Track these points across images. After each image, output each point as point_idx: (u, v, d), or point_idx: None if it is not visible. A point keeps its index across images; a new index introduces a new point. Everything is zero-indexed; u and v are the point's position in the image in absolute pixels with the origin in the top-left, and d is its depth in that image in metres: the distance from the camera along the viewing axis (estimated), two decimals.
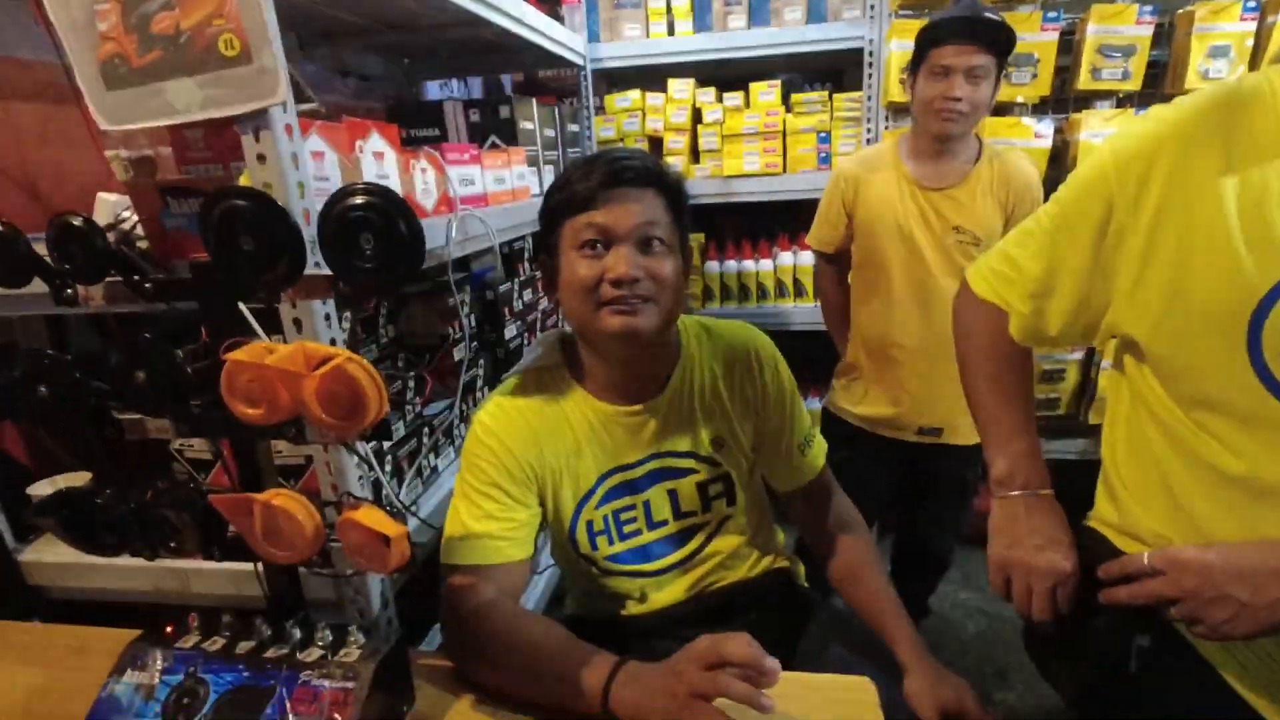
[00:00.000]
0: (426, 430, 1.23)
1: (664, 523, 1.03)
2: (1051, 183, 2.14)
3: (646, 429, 0.98)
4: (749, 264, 2.41)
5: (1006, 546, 0.90)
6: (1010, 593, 0.90)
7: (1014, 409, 0.92)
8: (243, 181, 0.82)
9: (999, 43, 1.44)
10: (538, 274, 1.83)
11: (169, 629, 0.84)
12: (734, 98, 2.30)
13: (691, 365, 1.01)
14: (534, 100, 1.80)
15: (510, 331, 1.63)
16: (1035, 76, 2.03)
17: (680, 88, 2.33)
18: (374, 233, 0.65)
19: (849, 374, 1.79)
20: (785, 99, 2.31)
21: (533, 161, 1.80)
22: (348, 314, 1.13)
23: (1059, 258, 0.81)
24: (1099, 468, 0.93)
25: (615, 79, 2.63)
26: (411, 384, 1.18)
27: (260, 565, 0.85)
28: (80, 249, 0.69)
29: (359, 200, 0.66)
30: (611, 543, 1.02)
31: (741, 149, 2.28)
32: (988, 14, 1.43)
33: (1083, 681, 0.91)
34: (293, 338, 0.87)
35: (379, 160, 1.06)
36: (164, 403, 0.74)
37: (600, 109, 2.42)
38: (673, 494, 1.02)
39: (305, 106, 0.87)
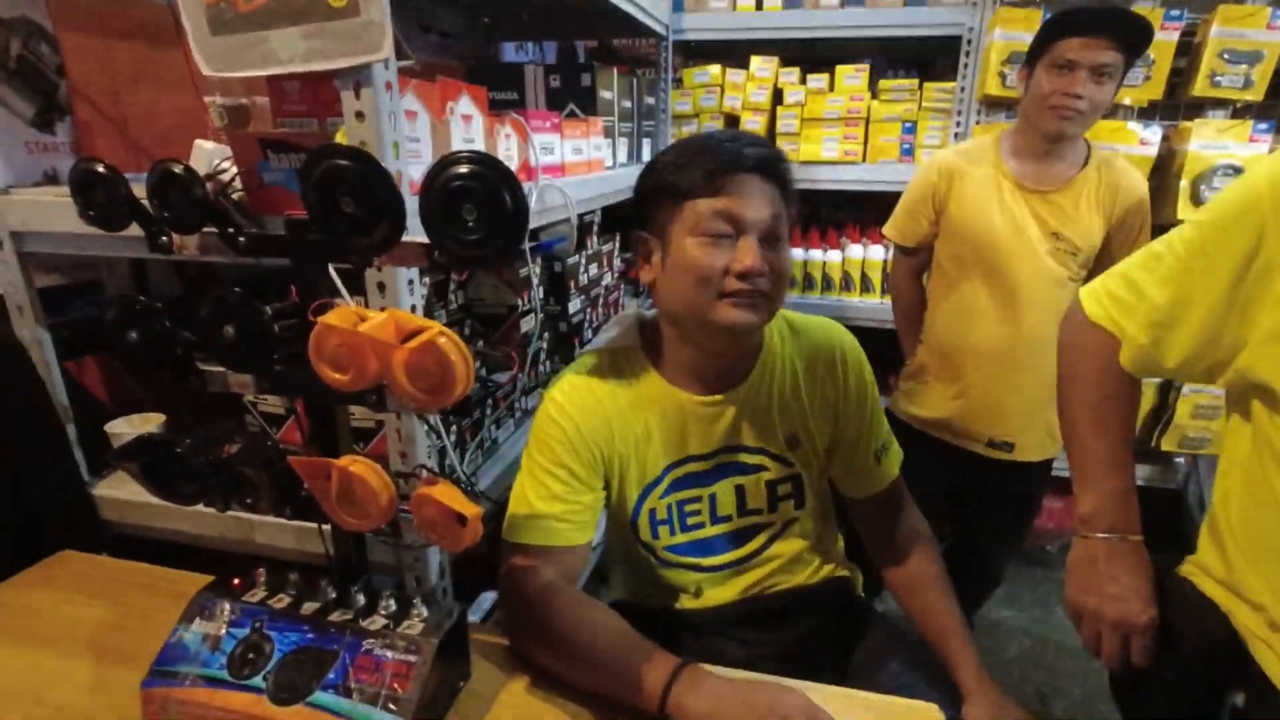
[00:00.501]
0: (490, 402, 1.22)
1: (728, 518, 1.01)
2: (1153, 194, 2.03)
3: (721, 421, 0.96)
4: (816, 254, 2.33)
5: (1082, 590, 0.88)
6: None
7: (1111, 445, 0.87)
8: (339, 139, 0.80)
9: (1134, 41, 1.33)
10: (605, 248, 1.80)
11: (236, 581, 0.84)
12: (818, 80, 2.21)
13: (773, 360, 0.98)
14: (615, 69, 1.75)
15: (574, 306, 1.61)
16: (1148, 78, 1.90)
17: (763, 65, 2.25)
18: (477, 204, 0.62)
19: (917, 377, 1.72)
20: (872, 85, 2.21)
21: (609, 133, 1.75)
22: (426, 279, 1.12)
23: (1191, 288, 0.74)
24: (1165, 495, 0.87)
25: (693, 52, 2.55)
26: (479, 359, 1.16)
27: (327, 526, 0.85)
28: (180, 197, 0.68)
29: (465, 169, 0.63)
30: (673, 533, 1.00)
31: (821, 134, 2.20)
32: (1127, 7, 1.34)
33: None
34: (375, 301, 0.86)
35: (467, 123, 1.03)
36: (249, 359, 0.73)
37: (677, 82, 2.35)
38: (740, 489, 1.00)
39: (402, 63, 0.84)
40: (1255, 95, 1.88)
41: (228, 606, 0.81)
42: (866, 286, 2.31)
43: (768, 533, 1.03)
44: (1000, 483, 1.65)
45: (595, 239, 1.79)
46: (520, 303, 1.33)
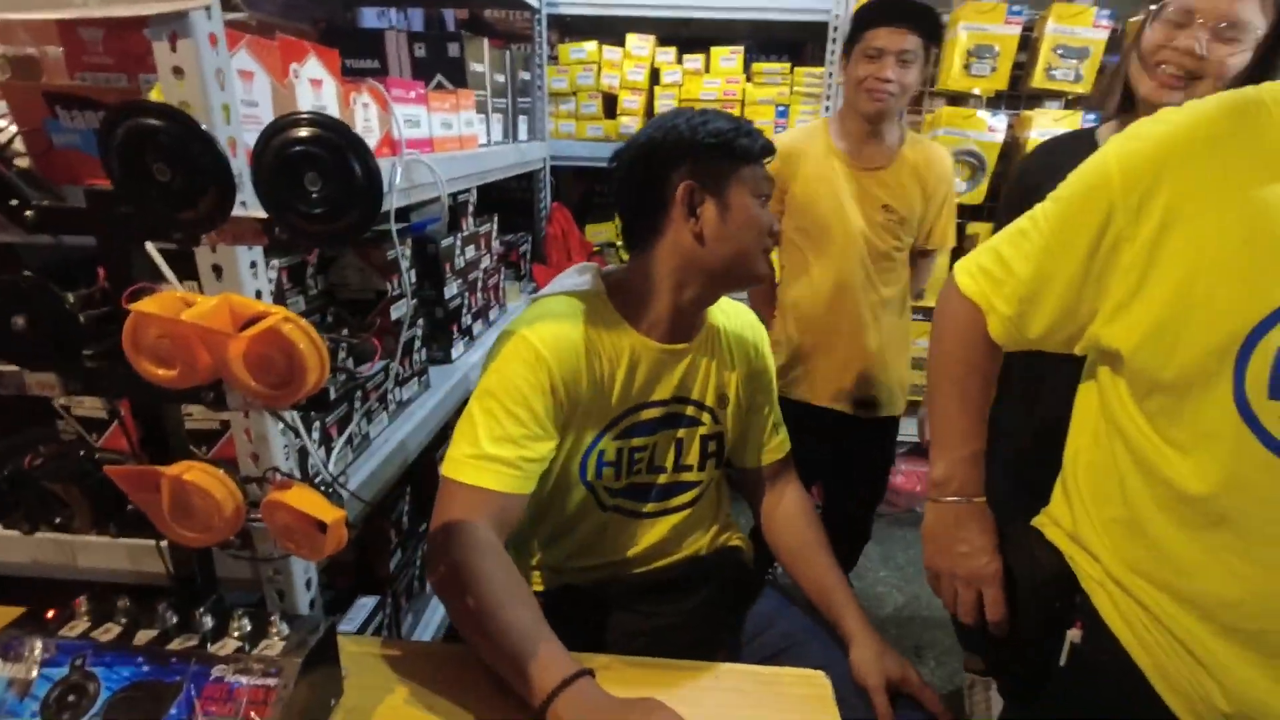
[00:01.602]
0: (359, 395, 1.12)
1: (662, 469, 1.05)
2: (999, 177, 2.20)
3: (677, 369, 1.01)
4: None
5: (936, 554, 0.94)
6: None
7: (968, 415, 0.91)
8: (154, 98, 0.70)
9: (928, 28, 1.51)
10: (483, 229, 1.72)
11: (50, 614, 0.73)
12: (694, 60, 2.22)
13: (715, 322, 1.06)
14: (485, 41, 1.67)
15: (450, 290, 1.52)
16: (995, 70, 2.04)
17: (639, 44, 2.23)
18: (322, 172, 0.55)
19: (776, 349, 1.78)
20: (746, 67, 2.24)
21: (481, 108, 1.67)
22: (274, 261, 1.01)
23: (1051, 263, 0.78)
24: None
25: (569, 27, 2.49)
26: (345, 347, 1.07)
27: (165, 541, 0.75)
28: None
29: (305, 132, 0.55)
30: (618, 477, 1.02)
31: None
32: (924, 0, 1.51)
33: (1016, 675, 0.93)
34: (211, 287, 0.76)
35: (316, 89, 0.93)
36: (49, 355, 0.62)
37: (553, 58, 2.28)
38: (679, 443, 1.05)
39: (232, 16, 0.74)
40: (1084, 88, 2.07)
41: (39, 644, 0.69)
42: None
43: (693, 492, 1.08)
44: (862, 439, 1.79)
45: (471, 220, 1.71)
46: (389, 287, 1.24)
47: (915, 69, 1.53)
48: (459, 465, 0.87)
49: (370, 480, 1.13)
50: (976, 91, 2.09)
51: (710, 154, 0.93)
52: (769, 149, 0.96)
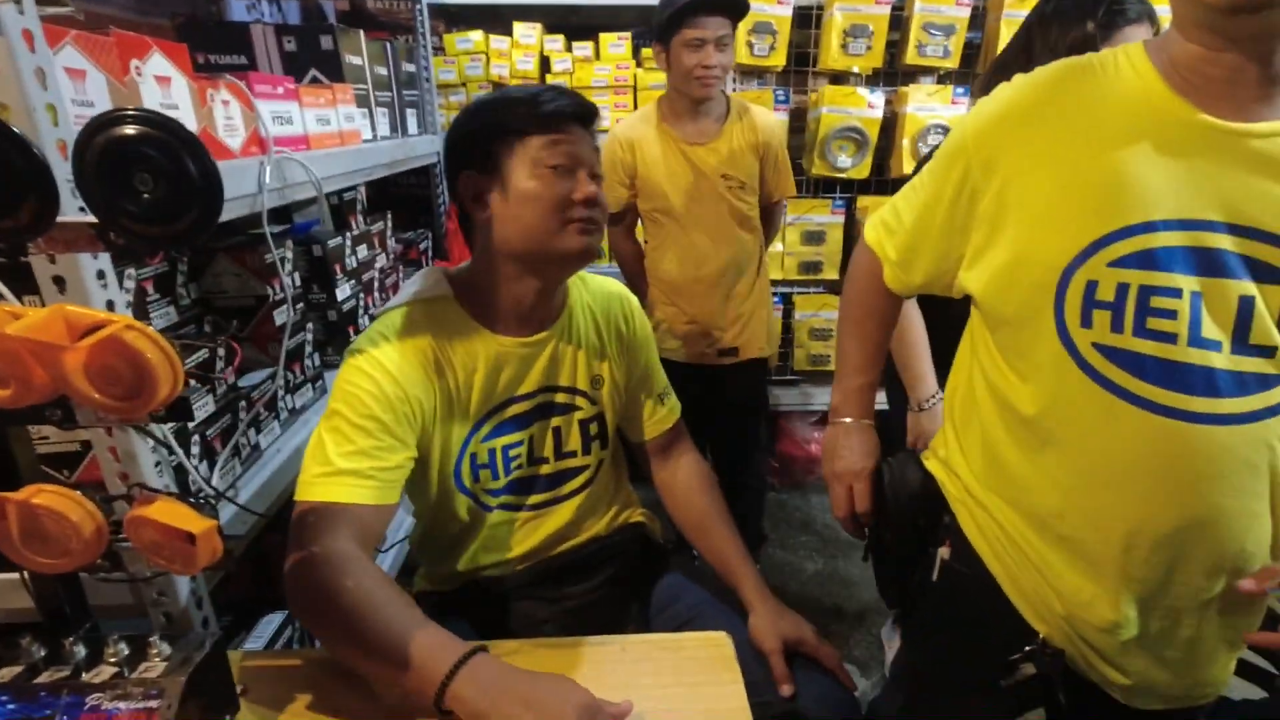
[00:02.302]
0: (244, 404, 1.08)
1: (545, 460, 1.03)
2: (883, 150, 2.29)
3: (539, 360, 0.99)
4: None
5: (826, 461, 1.05)
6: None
7: (863, 351, 1.01)
8: None
9: (737, 11, 1.66)
10: (375, 228, 1.68)
11: None
12: (584, 48, 2.22)
13: (575, 303, 1.03)
14: (361, 33, 1.62)
15: (344, 292, 1.48)
16: (869, 48, 2.13)
17: (526, 32, 2.21)
18: (152, 171, 0.53)
19: (657, 319, 1.92)
20: (636, 53, 2.25)
21: (363, 102, 1.63)
22: (131, 271, 0.95)
23: (927, 213, 0.86)
24: None
25: (455, 17, 2.44)
26: (221, 352, 1.03)
27: (27, 574, 0.71)
28: None
29: (130, 130, 0.53)
30: (495, 477, 0.99)
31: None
32: None
33: (899, 592, 1.03)
34: (53, 301, 0.71)
35: (164, 86, 0.89)
36: None
37: (439, 49, 2.23)
38: (557, 431, 1.03)
39: (53, 10, 0.70)
40: (953, 63, 2.19)
41: None
42: None
43: (583, 475, 1.06)
44: (731, 383, 1.95)
45: (361, 218, 1.66)
46: (271, 292, 1.19)
47: (731, 49, 1.67)
48: (309, 486, 0.83)
49: (264, 491, 1.09)
50: (856, 70, 2.17)
51: (480, 138, 0.90)
52: (553, 119, 0.88)
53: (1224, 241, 0.68)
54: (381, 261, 1.71)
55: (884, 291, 0.96)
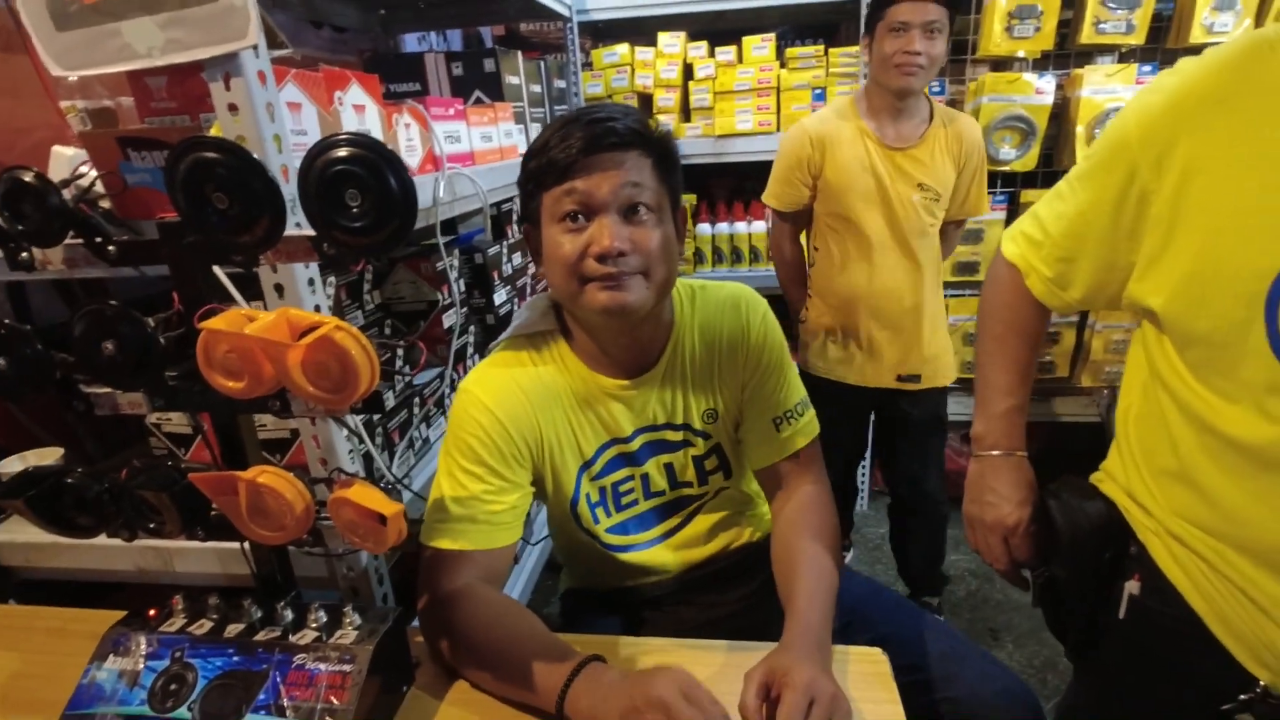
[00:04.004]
0: (417, 400, 1.18)
1: (660, 492, 1.01)
2: (1051, 140, 2.11)
3: (641, 402, 0.94)
4: (741, 226, 2.35)
5: (970, 503, 0.97)
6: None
7: (1008, 372, 0.93)
8: (214, 133, 0.76)
9: None
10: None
11: (152, 613, 0.80)
12: (726, 52, 2.22)
13: (683, 334, 0.95)
14: (519, 54, 1.72)
15: (500, 297, 1.58)
16: (1038, 30, 1.97)
17: (670, 41, 2.24)
18: (360, 188, 0.60)
19: (818, 335, 1.81)
20: (779, 54, 2.22)
21: (520, 118, 1.72)
22: (332, 279, 1.07)
23: (1083, 222, 0.79)
24: (1089, 427, 0.93)
25: (603, 32, 2.53)
26: (400, 352, 1.13)
27: (247, 544, 0.81)
28: (35, 208, 0.63)
29: (343, 152, 0.60)
30: (609, 514, 0.99)
31: (735, 106, 2.21)
32: None
33: (1078, 628, 0.92)
34: (274, 304, 0.82)
35: (360, 114, 0.99)
36: (135, 375, 0.68)
37: (588, 64, 2.32)
38: (669, 467, 0.99)
39: (279, 53, 0.80)
40: (1138, 39, 1.97)
41: (144, 640, 0.76)
42: None
43: (699, 502, 1.03)
44: (910, 410, 1.79)
45: (516, 227, 1.76)
46: (440, 297, 1.30)
47: (941, 39, 1.52)
48: (431, 531, 0.87)
49: (432, 482, 1.18)
50: (1021, 54, 2.01)
51: (524, 190, 0.86)
52: (566, 159, 0.79)
53: None
54: (533, 268, 1.80)
55: (1030, 306, 0.88)
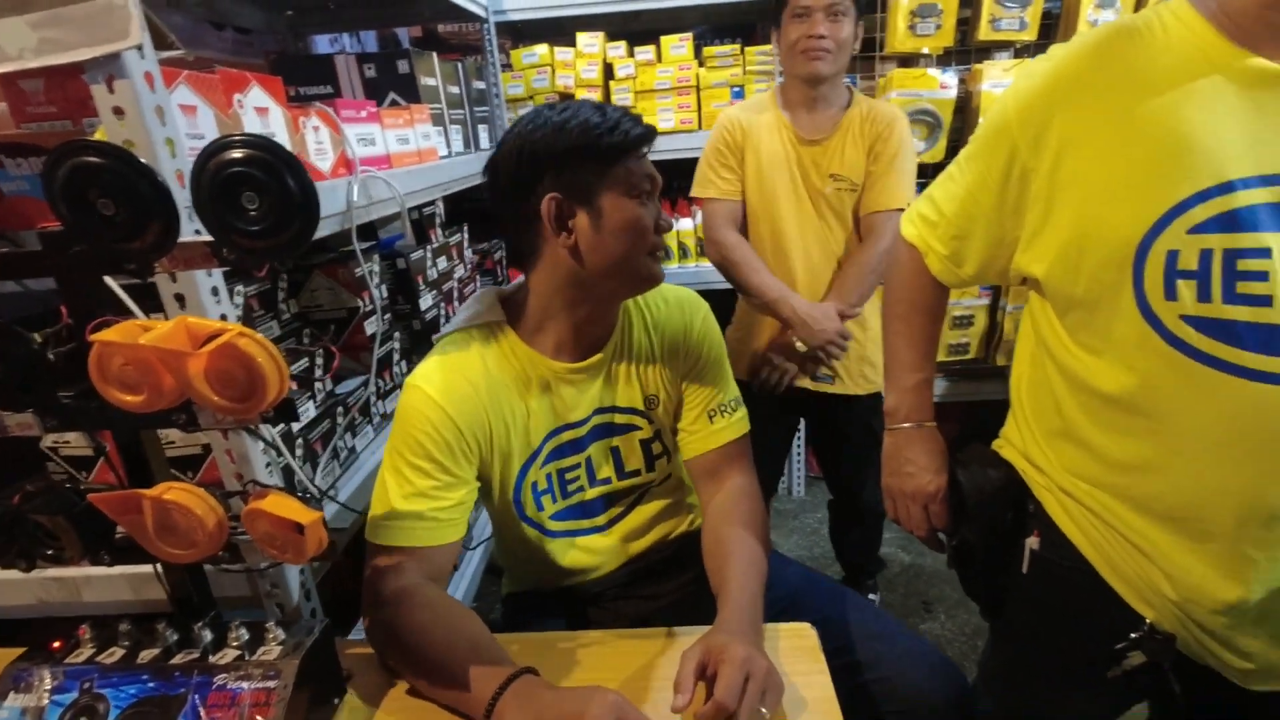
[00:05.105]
0: (340, 409, 1.15)
1: (607, 480, 1.03)
2: (957, 132, 2.21)
3: (593, 385, 0.97)
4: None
5: (888, 475, 1.01)
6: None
7: (914, 348, 0.98)
8: (98, 138, 0.72)
9: None
10: (453, 240, 1.75)
11: (56, 645, 0.76)
12: (645, 52, 2.24)
13: (629, 322, 1.00)
14: (434, 55, 1.69)
15: (426, 302, 1.55)
16: (939, 27, 2.06)
17: (589, 41, 2.25)
18: (258, 190, 0.58)
19: (738, 332, 1.77)
20: (698, 53, 2.26)
21: (438, 120, 1.70)
22: (240, 288, 1.04)
23: (972, 201, 0.83)
24: (1007, 407, 0.98)
25: (521, 33, 2.51)
26: (320, 359, 1.10)
27: (160, 566, 0.78)
28: None
29: (237, 154, 0.58)
30: (555, 500, 1.00)
31: (656, 105, 2.23)
32: None
33: (988, 587, 0.98)
34: (176, 316, 0.79)
35: (263, 117, 0.96)
36: (22, 395, 0.65)
37: (507, 65, 2.31)
38: (615, 451, 1.02)
39: (168, 54, 0.77)
40: (1030, 36, 2.09)
41: (48, 674, 0.72)
42: None
43: (648, 490, 1.05)
44: (845, 419, 1.76)
45: (440, 231, 1.74)
46: (361, 304, 1.27)
47: (847, 22, 1.49)
48: (376, 529, 0.87)
49: (360, 492, 1.16)
50: (925, 50, 2.11)
51: (574, 160, 0.85)
52: (644, 138, 0.88)
53: None
54: (460, 272, 1.78)
55: (930, 284, 0.93)
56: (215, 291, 0.80)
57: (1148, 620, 0.78)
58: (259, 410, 0.64)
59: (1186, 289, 0.67)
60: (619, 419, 1.00)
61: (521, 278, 0.97)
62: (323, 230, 1.06)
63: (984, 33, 2.08)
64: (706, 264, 2.33)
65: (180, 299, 0.77)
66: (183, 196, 0.65)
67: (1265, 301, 0.65)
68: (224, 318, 0.80)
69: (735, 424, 1.03)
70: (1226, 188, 0.65)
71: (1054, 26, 2.17)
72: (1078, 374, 0.78)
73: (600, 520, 1.04)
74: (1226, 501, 0.70)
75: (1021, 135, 0.76)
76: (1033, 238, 0.78)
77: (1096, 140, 0.71)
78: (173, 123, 0.73)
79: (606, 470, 1.02)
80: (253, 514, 0.68)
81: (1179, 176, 0.66)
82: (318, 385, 1.09)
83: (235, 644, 0.75)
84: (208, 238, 0.63)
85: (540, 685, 0.73)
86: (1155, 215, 0.67)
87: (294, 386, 1.03)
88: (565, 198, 0.86)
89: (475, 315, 0.96)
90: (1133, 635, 0.79)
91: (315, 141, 1.10)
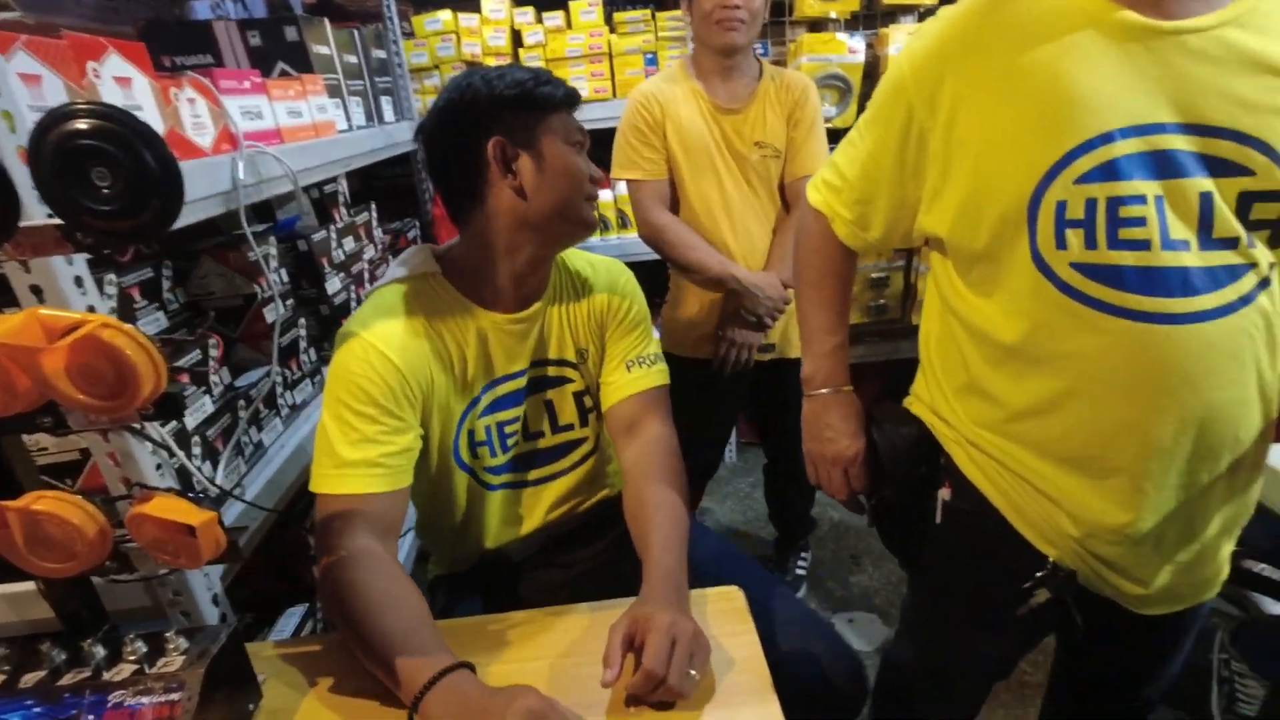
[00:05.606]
0: (242, 403, 1.09)
1: (541, 434, 1.04)
2: (866, 97, 2.24)
3: (530, 337, 0.99)
4: None
5: (809, 440, 1.02)
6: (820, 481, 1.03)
7: (827, 312, 0.98)
8: None
9: None
10: (360, 219, 1.67)
11: None
12: (554, 18, 2.18)
13: (560, 277, 1.03)
14: (326, 21, 1.59)
15: (333, 285, 1.47)
16: None
17: (495, 7, 2.17)
18: (109, 165, 0.53)
19: (679, 310, 1.76)
20: (608, 19, 2.21)
21: (335, 92, 1.61)
22: (113, 277, 0.95)
23: (874, 164, 0.84)
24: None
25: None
26: (214, 352, 1.03)
27: (41, 582, 0.72)
28: None
29: (82, 125, 0.52)
30: (494, 454, 1.00)
31: (568, 74, 2.17)
32: None
33: (905, 539, 1.01)
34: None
35: (125, 88, 0.88)
36: None
37: (409, 33, 2.20)
38: (549, 405, 1.03)
39: (3, 16, 0.69)
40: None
41: None
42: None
43: (584, 447, 1.07)
44: (782, 384, 1.74)
45: (345, 211, 1.65)
46: (259, 290, 1.19)
47: None
48: (323, 479, 0.85)
49: (271, 487, 1.10)
50: (833, 15, 2.13)
51: (513, 107, 0.90)
52: (574, 97, 0.94)
53: (1177, 141, 0.67)
54: (370, 253, 1.70)
55: (839, 249, 0.94)
56: (79, 281, 0.73)
57: (1051, 559, 0.83)
58: (134, 407, 0.59)
59: (1075, 237, 0.70)
60: (552, 371, 1.02)
61: (448, 244, 1.00)
62: (208, 211, 0.99)
63: None
64: (629, 235, 2.33)
65: (37, 291, 0.70)
66: (21, 175, 0.58)
67: (1145, 246, 0.68)
68: (91, 309, 0.73)
69: (653, 374, 1.05)
70: (1106, 138, 0.67)
71: None
72: (980, 327, 0.80)
73: (535, 474, 1.04)
74: (1122, 438, 0.74)
75: (916, 95, 0.77)
76: (934, 198, 0.80)
77: (985, 97, 0.72)
78: (9, 93, 0.66)
79: (542, 424, 1.03)
80: (137, 519, 0.63)
81: (1063, 129, 0.69)
82: (214, 378, 1.02)
83: (132, 658, 0.70)
84: (57, 220, 0.57)
85: (468, 683, 0.72)
86: (1044, 168, 0.70)
87: (185, 380, 0.96)
88: (509, 141, 0.90)
89: (410, 269, 0.96)
90: (1038, 574, 0.83)
91: (192, 115, 1.02)
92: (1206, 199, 0.67)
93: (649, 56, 2.19)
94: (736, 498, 2.52)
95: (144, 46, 0.91)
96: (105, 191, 0.53)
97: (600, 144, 2.28)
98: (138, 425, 0.67)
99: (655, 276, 1.94)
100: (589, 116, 2.17)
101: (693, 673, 0.74)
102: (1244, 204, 0.68)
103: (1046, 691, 1.16)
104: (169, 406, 0.63)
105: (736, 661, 0.79)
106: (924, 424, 0.93)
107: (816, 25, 2.20)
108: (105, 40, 0.85)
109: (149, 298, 1.05)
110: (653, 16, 2.19)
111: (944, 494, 0.91)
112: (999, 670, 1.05)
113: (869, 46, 2.17)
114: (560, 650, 0.83)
